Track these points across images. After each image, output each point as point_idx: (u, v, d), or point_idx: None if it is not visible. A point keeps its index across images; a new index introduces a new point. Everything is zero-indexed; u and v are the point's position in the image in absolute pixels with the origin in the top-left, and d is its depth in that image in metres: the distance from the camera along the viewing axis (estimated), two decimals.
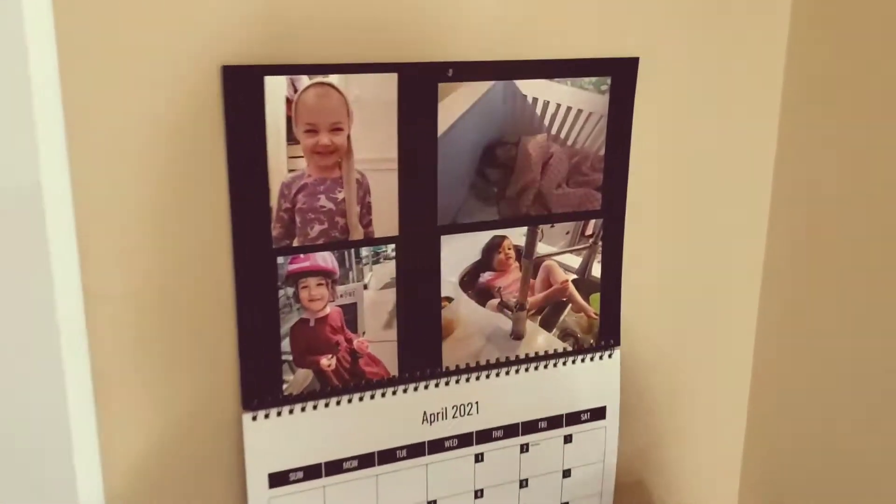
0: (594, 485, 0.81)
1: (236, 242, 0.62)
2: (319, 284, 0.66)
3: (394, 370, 0.70)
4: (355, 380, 0.69)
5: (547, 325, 0.76)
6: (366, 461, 0.70)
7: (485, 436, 0.75)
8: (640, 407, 0.83)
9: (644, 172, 0.76)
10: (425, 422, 0.72)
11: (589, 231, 0.75)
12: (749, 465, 0.88)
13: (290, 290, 0.65)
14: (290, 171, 0.62)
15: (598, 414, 0.79)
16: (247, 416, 0.65)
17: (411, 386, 0.71)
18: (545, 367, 0.76)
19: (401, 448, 0.71)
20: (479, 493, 0.76)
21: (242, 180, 0.61)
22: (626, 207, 0.76)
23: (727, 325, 0.84)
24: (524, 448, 0.77)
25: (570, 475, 0.79)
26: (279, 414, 0.66)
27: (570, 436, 0.78)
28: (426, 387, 0.71)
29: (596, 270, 0.76)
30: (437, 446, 0.73)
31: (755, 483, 0.87)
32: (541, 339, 0.76)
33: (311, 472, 0.68)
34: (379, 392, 0.70)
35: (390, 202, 0.66)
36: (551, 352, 0.76)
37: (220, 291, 0.63)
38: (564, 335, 0.76)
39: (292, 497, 0.68)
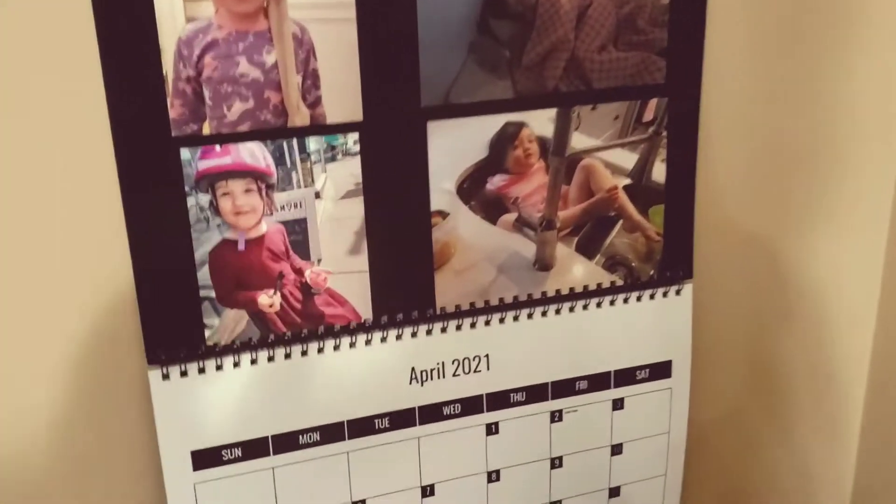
0: (655, 465, 0.60)
1: (117, 129, 0.43)
2: (248, 191, 0.46)
3: (366, 312, 0.50)
4: (310, 324, 0.49)
5: (587, 249, 0.54)
6: (331, 434, 0.51)
7: (499, 400, 0.55)
8: (718, 364, 0.61)
9: (727, 30, 0.52)
10: (414, 381, 0.52)
11: (648, 116, 0.53)
12: (867, 450, 0.65)
13: (205, 199, 0.45)
14: (190, 20, 0.42)
15: (661, 371, 0.58)
16: (154, 374, 0.47)
17: (391, 333, 0.51)
18: (585, 308, 0.55)
19: (380, 416, 0.52)
20: (493, 476, 0.56)
21: (116, 36, 0.42)
22: (701, 81, 0.53)
23: (844, 256, 0.61)
24: (556, 416, 0.56)
25: (620, 451, 0.59)
26: (202, 370, 0.48)
27: (621, 400, 0.58)
28: (414, 334, 0.52)
29: (658, 173, 0.54)
30: (431, 413, 0.53)
31: (874, 467, 0.65)
32: (578, 270, 0.54)
33: (254, 449, 0.50)
34: (346, 341, 0.50)
35: (348, 70, 0.46)
36: (593, 287, 0.55)
37: (103, 197, 0.44)
38: (612, 264, 0.55)
39: (227, 482, 0.50)
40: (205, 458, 0.49)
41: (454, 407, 0.54)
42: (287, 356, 0.49)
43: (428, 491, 0.55)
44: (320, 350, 0.50)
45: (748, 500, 0.65)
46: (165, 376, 0.47)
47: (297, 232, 0.48)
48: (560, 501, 0.58)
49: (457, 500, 0.55)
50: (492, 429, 0.55)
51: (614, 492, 0.59)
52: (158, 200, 0.45)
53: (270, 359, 0.49)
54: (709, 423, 0.62)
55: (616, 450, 0.58)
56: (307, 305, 0.49)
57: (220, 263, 0.47)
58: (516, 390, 0.55)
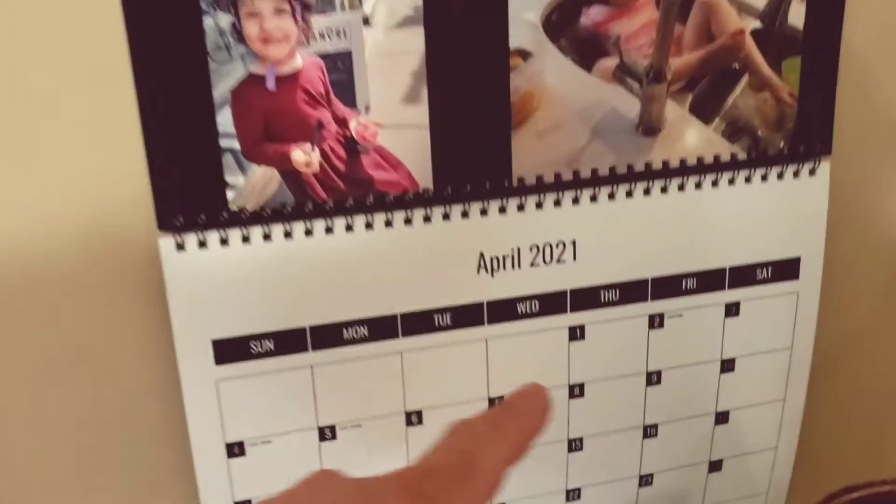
0: (773, 387, 0.49)
1: None
2: (279, 11, 0.36)
3: (425, 179, 0.41)
4: (357, 191, 0.40)
5: (703, 110, 0.43)
6: (382, 329, 0.42)
7: (587, 298, 0.45)
8: (856, 266, 0.50)
9: None
10: (483, 270, 0.43)
11: None
12: None
13: (226, 20, 0.36)
14: None
15: (787, 271, 0.47)
16: (166, 243, 0.39)
17: (456, 208, 0.41)
18: (697, 186, 0.44)
19: (441, 311, 0.43)
20: (576, 390, 0.46)
21: None
22: None
23: None
24: (655, 321, 0.46)
25: (732, 369, 0.48)
26: (224, 241, 0.39)
27: (737, 305, 0.47)
28: (484, 211, 0.42)
29: (796, 15, 0.43)
30: (503, 311, 0.44)
31: None
32: (691, 137, 0.44)
33: (289, 343, 0.41)
34: (399, 215, 0.41)
35: None
36: (709, 160, 0.44)
37: (100, 16, 0.35)
38: (734, 131, 0.44)
39: (256, 381, 0.41)
40: (229, 350, 0.41)
41: (531, 304, 0.44)
42: (328, 230, 0.40)
43: (496, 403, 0.45)
44: (369, 225, 0.40)
45: (881, 431, 0.54)
46: (180, 246, 0.39)
47: (340, 69, 0.38)
48: (656, 426, 0.48)
49: None
50: (576, 333, 0.45)
51: (722, 417, 0.49)
52: (168, 20, 0.35)
53: (308, 232, 0.40)
54: (839, 340, 0.51)
55: (727, 366, 0.48)
56: (352, 166, 0.40)
57: (245, 105, 0.37)
58: (608, 287, 0.45)
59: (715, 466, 0.50)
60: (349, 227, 0.40)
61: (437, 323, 0.43)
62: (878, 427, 0.54)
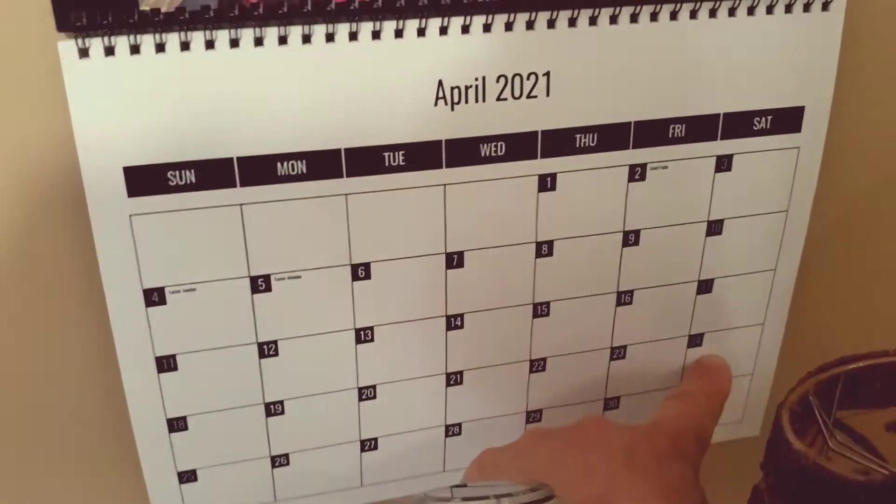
0: (766, 250, 0.45)
1: None
2: None
3: None
4: None
5: None
6: (323, 165, 0.37)
7: (560, 141, 0.39)
8: (865, 120, 0.44)
9: None
10: (442, 102, 0.37)
11: None
12: None
13: None
14: None
15: (788, 122, 0.42)
16: (66, 47, 0.33)
17: (411, 24, 0.35)
18: (692, 14, 0.38)
19: (393, 148, 0.37)
20: (544, 248, 0.42)
21: None
22: None
23: None
24: (636, 172, 0.41)
25: (720, 230, 0.43)
26: (136, 49, 0.33)
27: (729, 158, 0.42)
28: (443, 30, 0.36)
29: None
30: (464, 152, 0.38)
31: None
32: None
33: (213, 175, 0.36)
34: (343, 29, 0.35)
35: None
36: None
37: None
38: None
39: (175, 218, 0.36)
40: (143, 180, 0.35)
41: (496, 146, 0.39)
42: (258, 42, 0.34)
43: (455, 260, 0.41)
44: (306, 38, 0.34)
45: (878, 308, 0.50)
46: (84, 52, 0.33)
47: None
48: (631, 292, 0.44)
49: (494, 275, 0.41)
50: (546, 182, 0.40)
51: (705, 286, 0.45)
52: None
53: (234, 43, 0.34)
54: (841, 205, 0.46)
55: (714, 228, 0.43)
56: None
57: None
58: (585, 130, 0.39)
59: (695, 341, 0.46)
60: (283, 40, 0.34)
61: (387, 162, 0.38)
62: (874, 303, 0.49)
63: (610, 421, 0.38)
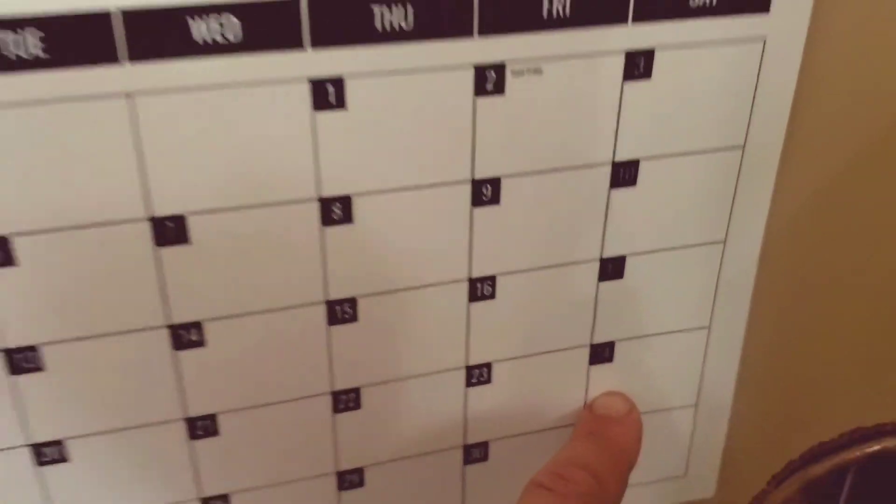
0: (707, 218, 0.28)
1: None
2: None
3: None
4: None
5: None
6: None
7: None
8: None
9: None
10: None
11: None
12: None
13: None
14: None
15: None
16: None
17: None
18: None
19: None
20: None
21: None
22: None
23: None
24: (487, 83, 0.24)
25: (633, 179, 0.26)
26: None
27: (647, 56, 0.25)
28: None
29: None
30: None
31: None
32: None
33: None
34: None
35: None
36: None
37: None
38: None
39: None
40: None
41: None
42: None
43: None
44: None
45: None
46: None
47: None
48: (493, 278, 0.27)
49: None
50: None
51: (612, 268, 0.28)
52: None
53: None
54: (818, 161, 0.29)
55: (624, 174, 0.26)
56: None
57: None
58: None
59: (601, 355, 0.30)
60: None
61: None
62: (878, 292, 0.33)
63: None
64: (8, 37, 0.19)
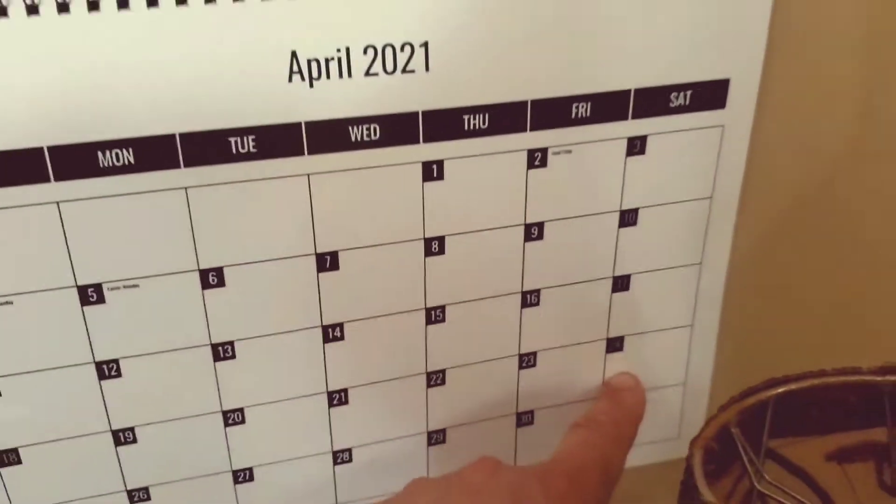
0: (688, 242, 0.40)
1: None
2: None
3: None
4: None
5: None
6: (155, 154, 0.31)
7: (445, 123, 0.34)
8: (796, 94, 0.39)
9: None
10: (297, 77, 0.31)
11: None
12: None
13: None
14: None
15: (711, 96, 0.36)
16: None
17: None
18: None
19: (241, 132, 0.32)
20: (434, 245, 0.36)
21: None
22: None
23: None
24: (537, 158, 0.35)
25: (635, 221, 0.38)
26: None
27: (643, 140, 0.36)
28: None
29: None
30: (331, 136, 0.33)
31: None
32: None
33: (22, 168, 0.30)
34: None
35: None
36: None
37: None
38: None
39: None
40: None
41: (368, 129, 0.33)
42: (62, 8, 0.28)
43: (329, 262, 0.35)
44: (122, 3, 0.29)
45: (813, 304, 0.45)
46: None
47: None
48: (538, 292, 0.39)
49: (379, 279, 0.36)
50: (432, 171, 0.35)
51: (621, 283, 0.39)
52: None
53: (31, 9, 0.28)
54: (771, 188, 0.41)
55: (627, 218, 0.38)
56: None
57: None
58: (474, 110, 0.34)
59: (614, 345, 0.41)
60: (93, 5, 0.28)
61: (234, 149, 0.32)
62: (818, 297, 0.44)
63: (502, 464, 0.33)
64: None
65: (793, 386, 0.30)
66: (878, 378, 0.30)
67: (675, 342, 0.42)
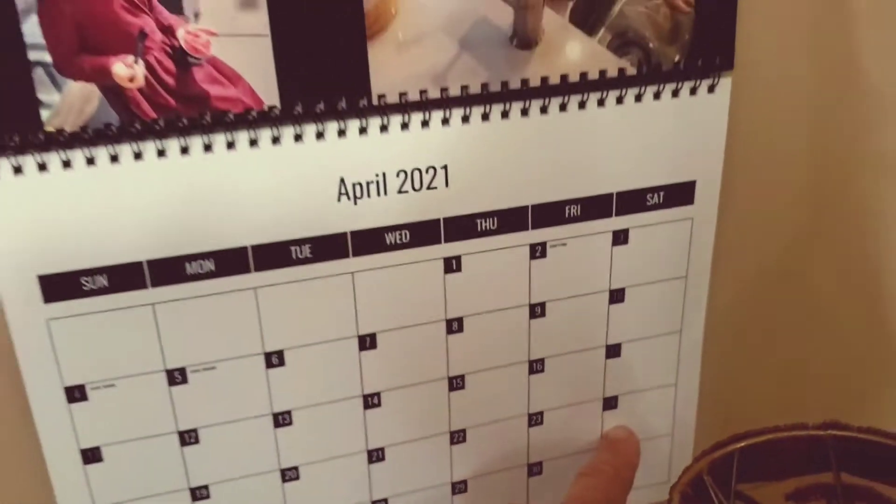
0: (669, 313, 0.47)
1: None
2: None
3: (270, 96, 0.36)
4: (191, 109, 0.36)
5: (586, 20, 0.40)
6: (230, 262, 0.39)
7: (462, 227, 0.41)
8: (755, 189, 0.47)
9: None
10: (345, 198, 0.39)
11: None
12: None
13: None
14: None
15: (681, 195, 0.44)
16: None
17: (309, 129, 0.37)
18: (581, 105, 0.40)
19: (299, 242, 0.39)
20: (454, 325, 0.43)
21: None
22: None
23: None
24: (537, 251, 0.43)
25: (622, 298, 0.45)
26: (43, 167, 0.35)
27: (625, 232, 0.44)
28: (341, 132, 0.38)
29: None
30: (370, 241, 0.40)
31: None
32: (573, 51, 0.40)
33: (124, 278, 0.38)
34: (243, 136, 0.37)
35: None
36: (594, 75, 0.40)
37: None
38: (622, 44, 0.40)
39: (91, 320, 0.38)
40: (58, 287, 0.37)
41: (401, 234, 0.41)
42: (161, 153, 0.36)
43: (368, 342, 0.42)
44: (207, 147, 0.36)
45: (787, 361, 0.52)
46: None
47: None
48: (542, 360, 0.46)
49: (408, 353, 0.43)
50: (452, 265, 0.42)
51: (613, 350, 0.47)
52: None
53: (137, 155, 0.36)
54: (738, 267, 0.48)
55: (616, 297, 0.45)
56: (184, 81, 0.35)
57: (55, 12, 0.33)
58: (485, 215, 0.41)
59: (610, 404, 0.48)
60: (185, 150, 0.36)
61: (294, 256, 0.39)
62: (785, 355, 0.52)
63: None
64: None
65: (753, 440, 0.37)
66: (822, 432, 0.37)
67: (661, 398, 0.49)
